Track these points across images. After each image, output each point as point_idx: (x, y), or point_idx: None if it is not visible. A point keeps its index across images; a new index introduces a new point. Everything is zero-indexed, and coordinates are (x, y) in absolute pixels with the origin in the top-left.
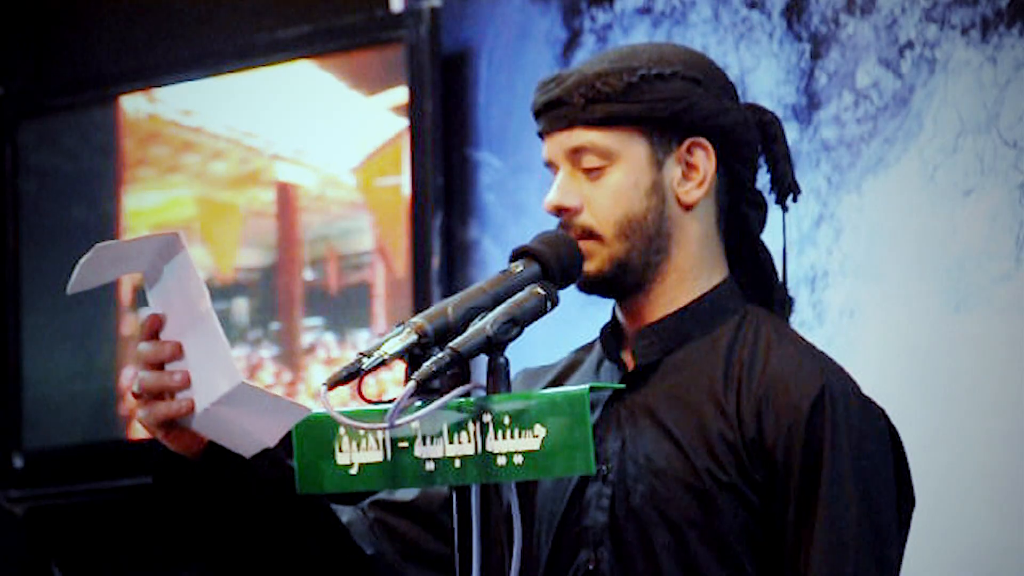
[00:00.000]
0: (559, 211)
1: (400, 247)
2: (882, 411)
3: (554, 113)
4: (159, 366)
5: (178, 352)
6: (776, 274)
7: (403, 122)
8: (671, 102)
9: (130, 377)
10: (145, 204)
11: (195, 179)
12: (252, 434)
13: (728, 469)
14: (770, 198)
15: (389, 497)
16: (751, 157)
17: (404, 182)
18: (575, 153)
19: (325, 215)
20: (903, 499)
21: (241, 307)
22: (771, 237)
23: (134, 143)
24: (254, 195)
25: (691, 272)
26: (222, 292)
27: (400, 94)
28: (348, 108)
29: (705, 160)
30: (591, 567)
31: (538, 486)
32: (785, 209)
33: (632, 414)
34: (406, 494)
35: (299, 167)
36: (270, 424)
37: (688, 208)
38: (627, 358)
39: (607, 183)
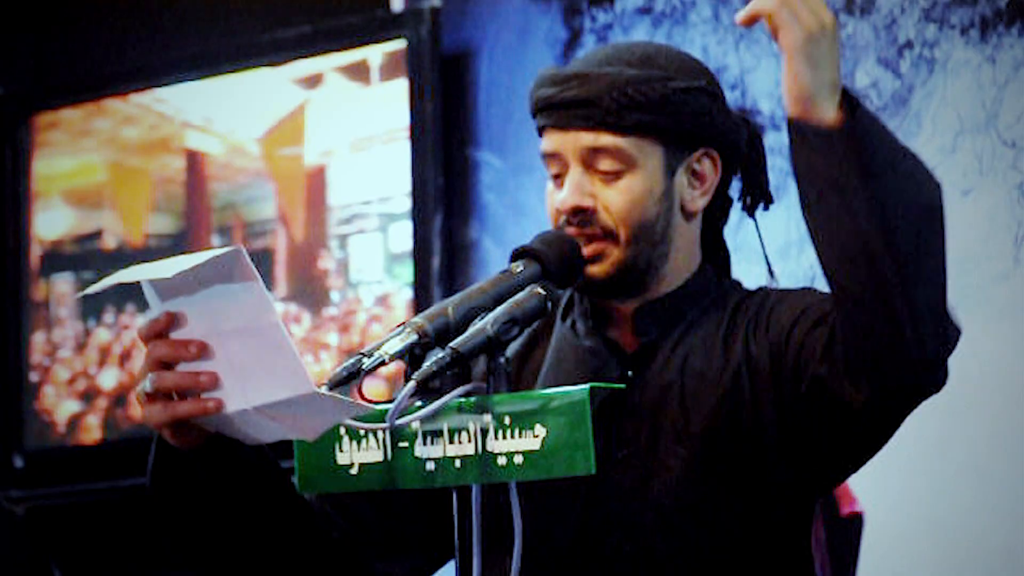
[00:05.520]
0: (575, 212)
1: (299, 215)
2: None
3: (576, 112)
4: (173, 365)
5: (204, 352)
6: (730, 270)
7: (306, 93)
8: (696, 116)
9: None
10: (56, 169)
11: (106, 144)
12: (283, 431)
13: (760, 435)
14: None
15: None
16: (738, 165)
17: (305, 151)
18: (593, 154)
19: (231, 183)
20: None
21: None
22: (781, 239)
23: None
24: (164, 162)
25: (683, 269)
26: (132, 257)
27: (305, 66)
28: (254, 78)
29: (712, 170)
30: (626, 549)
31: None
32: (753, 217)
33: (649, 394)
34: None
35: (207, 135)
36: (315, 422)
37: (692, 216)
38: (616, 336)
39: (623, 187)
